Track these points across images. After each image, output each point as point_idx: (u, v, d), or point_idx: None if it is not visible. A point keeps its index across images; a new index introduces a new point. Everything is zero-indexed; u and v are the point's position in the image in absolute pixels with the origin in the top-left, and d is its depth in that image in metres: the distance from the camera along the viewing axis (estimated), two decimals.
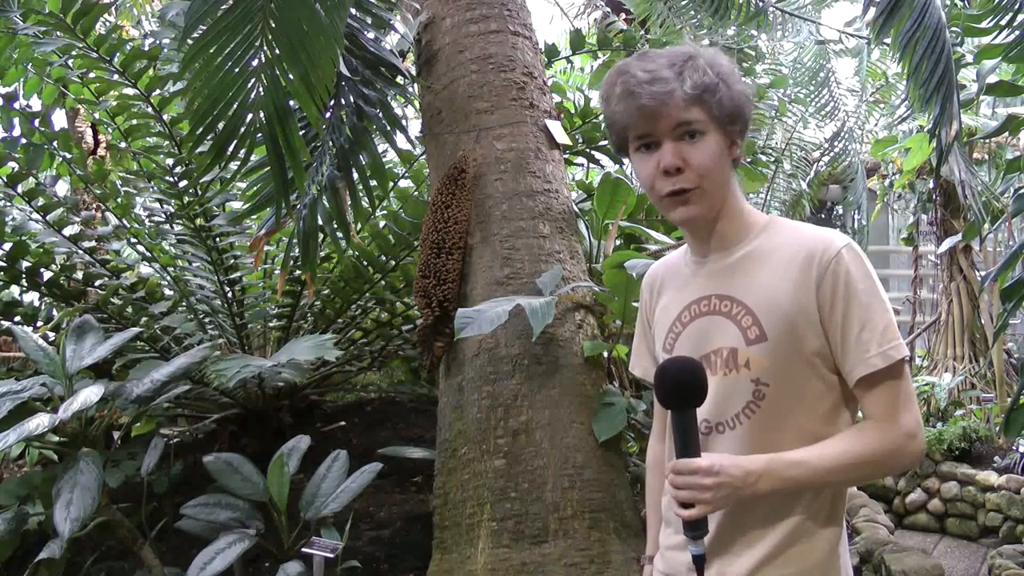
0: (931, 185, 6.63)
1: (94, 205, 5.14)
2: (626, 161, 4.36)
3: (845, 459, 1.25)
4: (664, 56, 1.29)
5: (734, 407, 1.31)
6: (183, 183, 3.71)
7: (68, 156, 3.91)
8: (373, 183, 3.20)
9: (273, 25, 2.22)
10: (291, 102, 2.36)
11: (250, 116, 2.36)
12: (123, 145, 3.98)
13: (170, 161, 3.75)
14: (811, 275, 1.27)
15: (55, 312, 3.89)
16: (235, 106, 2.35)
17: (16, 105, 4.01)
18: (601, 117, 4.02)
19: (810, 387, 1.30)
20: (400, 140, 3.69)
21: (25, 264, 3.67)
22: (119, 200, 3.96)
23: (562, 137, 3.21)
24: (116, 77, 3.56)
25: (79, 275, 3.83)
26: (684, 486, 1.20)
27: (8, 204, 3.84)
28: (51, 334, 3.83)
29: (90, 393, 2.52)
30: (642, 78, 1.25)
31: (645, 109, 1.26)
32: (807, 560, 1.30)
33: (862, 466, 1.27)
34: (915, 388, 5.68)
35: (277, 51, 2.26)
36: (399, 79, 3.14)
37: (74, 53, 3.50)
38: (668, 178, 1.28)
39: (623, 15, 6.21)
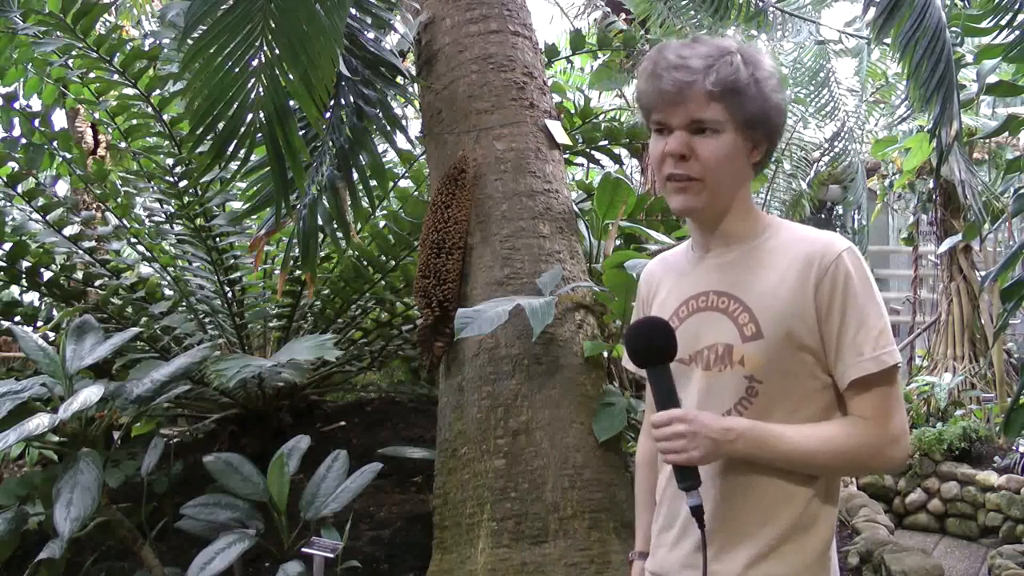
0: (931, 185, 6.63)
1: (94, 205, 5.13)
2: (626, 161, 4.37)
3: (827, 446, 1.26)
4: (706, 46, 1.29)
5: (726, 403, 1.31)
6: (183, 183, 3.71)
7: (68, 156, 3.91)
8: (373, 183, 3.20)
9: (273, 25, 2.22)
10: (291, 102, 2.36)
11: (250, 116, 2.36)
12: (123, 145, 3.98)
13: (170, 161, 3.75)
14: (810, 276, 1.27)
15: (55, 312, 3.89)
16: (235, 106, 2.35)
17: (16, 105, 4.01)
18: (601, 117, 4.04)
19: (804, 386, 1.30)
20: (400, 140, 3.69)
21: (25, 264, 3.67)
22: (119, 200, 3.96)
23: (562, 137, 3.21)
24: (116, 77, 3.56)
25: (79, 275, 3.83)
26: (664, 437, 1.23)
27: (8, 204, 3.84)
28: (51, 334, 3.84)
29: (90, 393, 2.52)
30: (671, 62, 1.26)
31: (664, 94, 1.27)
32: (799, 559, 1.30)
33: (842, 457, 1.27)
34: (915, 388, 5.70)
35: (277, 51, 2.26)
36: (399, 79, 3.14)
37: (74, 53, 3.50)
38: (673, 161, 1.29)
39: (623, 15, 6.20)
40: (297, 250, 2.92)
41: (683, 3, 5.26)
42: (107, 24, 4.88)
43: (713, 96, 1.25)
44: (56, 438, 2.96)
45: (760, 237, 1.35)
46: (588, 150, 4.05)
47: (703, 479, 1.26)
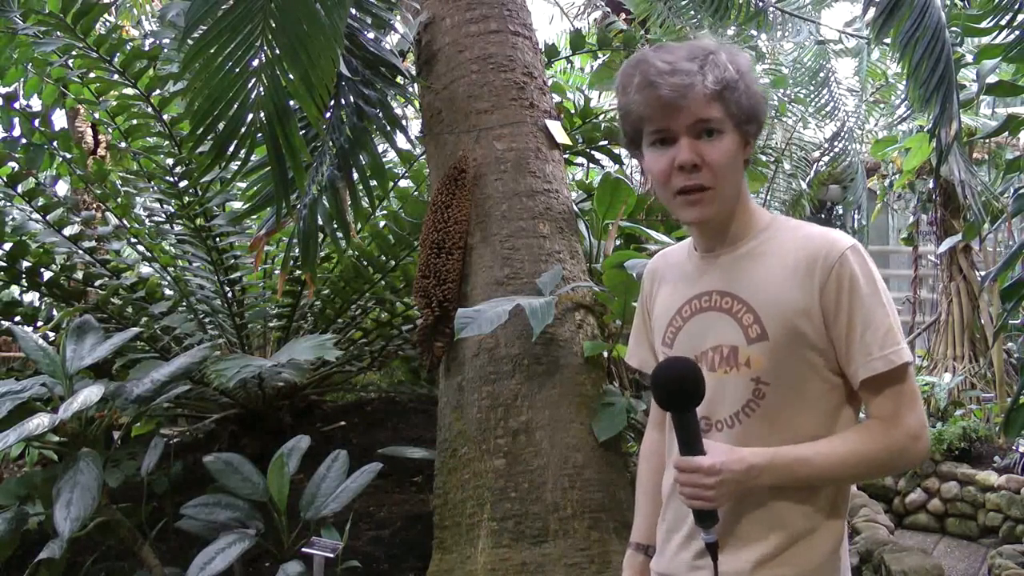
0: (931, 185, 6.63)
1: (94, 205, 5.13)
2: (626, 161, 4.36)
3: (848, 458, 1.26)
4: (684, 49, 1.27)
5: (733, 405, 1.30)
6: (183, 183, 3.71)
7: (68, 156, 3.91)
8: (373, 183, 3.20)
9: (273, 25, 2.22)
10: (291, 102, 2.36)
11: (250, 116, 2.36)
12: (123, 145, 3.98)
13: (170, 161, 3.75)
14: (815, 276, 1.27)
15: (55, 312, 3.89)
16: (235, 106, 2.35)
17: (16, 105, 4.00)
18: (601, 117, 4.02)
19: (811, 387, 1.29)
20: (400, 140, 3.69)
21: (25, 264, 3.67)
22: (119, 200, 3.96)
23: (562, 137, 3.21)
24: (116, 77, 3.56)
25: (79, 275, 3.83)
26: (688, 483, 1.22)
27: (8, 204, 3.84)
28: (51, 334, 3.83)
29: (90, 393, 2.52)
30: (662, 68, 1.24)
31: (664, 100, 1.24)
32: (807, 562, 1.29)
33: (864, 465, 1.27)
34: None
35: (277, 51, 2.26)
36: (399, 79, 3.14)
37: (74, 53, 3.50)
38: (683, 173, 1.26)
39: (623, 15, 6.20)
40: (297, 250, 2.92)
41: (683, 3, 5.26)
42: (107, 24, 4.88)
43: (713, 96, 1.24)
44: (56, 438, 2.96)
45: (762, 235, 1.34)
46: (588, 150, 4.05)
47: None
